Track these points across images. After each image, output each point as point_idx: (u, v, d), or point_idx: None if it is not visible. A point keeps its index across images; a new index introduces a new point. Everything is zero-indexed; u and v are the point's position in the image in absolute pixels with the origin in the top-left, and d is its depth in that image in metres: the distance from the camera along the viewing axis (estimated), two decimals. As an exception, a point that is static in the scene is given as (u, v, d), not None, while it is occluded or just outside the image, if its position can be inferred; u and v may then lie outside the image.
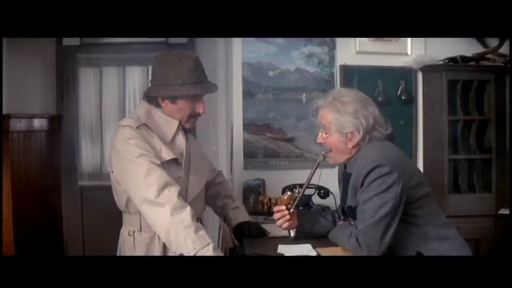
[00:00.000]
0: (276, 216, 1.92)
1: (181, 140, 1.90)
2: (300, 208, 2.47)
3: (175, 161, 1.86)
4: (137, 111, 1.93)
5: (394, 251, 1.70)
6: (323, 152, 1.84)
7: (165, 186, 1.70)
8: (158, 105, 1.88)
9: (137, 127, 1.81)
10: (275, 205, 2.68)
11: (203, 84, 1.87)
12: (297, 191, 1.90)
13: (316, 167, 1.86)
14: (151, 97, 1.90)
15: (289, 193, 1.91)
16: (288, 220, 1.89)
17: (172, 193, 1.70)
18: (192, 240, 1.64)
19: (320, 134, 1.85)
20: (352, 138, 1.77)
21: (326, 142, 1.82)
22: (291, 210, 1.89)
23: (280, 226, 1.91)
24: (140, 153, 1.75)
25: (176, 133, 1.89)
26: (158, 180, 1.71)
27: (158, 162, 1.76)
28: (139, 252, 1.85)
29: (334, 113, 1.78)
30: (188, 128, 1.94)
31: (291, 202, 1.89)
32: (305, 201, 2.65)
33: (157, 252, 1.84)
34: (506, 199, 2.94)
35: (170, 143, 1.87)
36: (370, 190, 1.67)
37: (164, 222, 1.67)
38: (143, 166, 1.73)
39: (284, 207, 1.89)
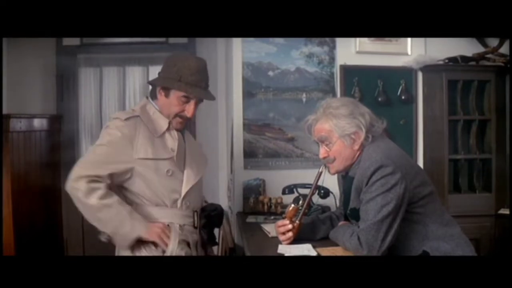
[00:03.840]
0: (279, 230, 1.90)
1: (173, 136, 1.93)
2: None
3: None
4: (135, 106, 2.02)
5: (400, 250, 1.71)
6: (323, 163, 1.84)
7: (82, 176, 1.77)
8: (155, 97, 1.95)
9: (127, 119, 1.87)
10: (275, 205, 2.71)
11: (198, 88, 1.89)
12: (301, 202, 1.89)
13: (318, 179, 1.87)
14: (152, 90, 1.98)
15: (293, 205, 1.90)
16: (291, 230, 1.86)
17: (82, 182, 1.76)
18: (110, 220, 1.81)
19: (321, 148, 1.84)
20: (356, 138, 1.77)
21: (329, 154, 1.81)
22: (296, 222, 1.88)
23: (283, 241, 1.89)
24: (101, 142, 1.84)
25: (167, 130, 1.93)
26: (86, 166, 1.80)
27: (111, 159, 1.81)
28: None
29: (331, 120, 1.78)
30: (176, 129, 1.95)
31: (296, 214, 1.88)
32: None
33: (149, 246, 1.86)
34: (506, 199, 2.94)
35: (161, 139, 1.90)
36: (373, 190, 1.67)
37: (80, 204, 1.80)
38: (92, 150, 1.87)
39: (287, 222, 1.88)
